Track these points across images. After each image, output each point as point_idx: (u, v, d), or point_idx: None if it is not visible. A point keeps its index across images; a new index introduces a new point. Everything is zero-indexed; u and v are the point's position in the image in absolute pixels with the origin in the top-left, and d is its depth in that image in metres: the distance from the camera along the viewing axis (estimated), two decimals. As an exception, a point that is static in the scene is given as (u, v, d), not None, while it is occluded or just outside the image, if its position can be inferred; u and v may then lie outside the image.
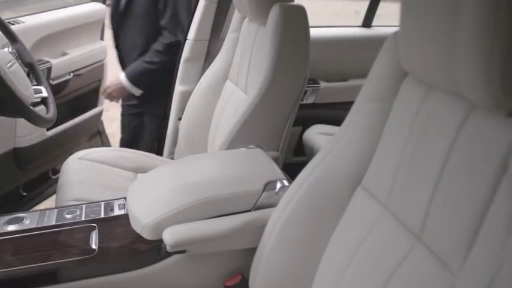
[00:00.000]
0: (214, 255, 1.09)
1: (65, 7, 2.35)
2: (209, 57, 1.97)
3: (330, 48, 2.20)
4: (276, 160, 1.37)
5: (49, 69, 2.14)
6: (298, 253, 0.96)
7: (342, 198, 0.91)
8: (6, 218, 1.17)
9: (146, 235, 1.05)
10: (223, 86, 1.74)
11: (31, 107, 1.30)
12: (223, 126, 1.58)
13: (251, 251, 1.04)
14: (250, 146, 1.30)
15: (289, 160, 2.19)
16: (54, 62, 2.13)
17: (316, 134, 1.92)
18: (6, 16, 2.13)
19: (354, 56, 2.22)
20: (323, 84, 2.20)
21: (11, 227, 1.14)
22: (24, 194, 2.06)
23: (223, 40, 1.81)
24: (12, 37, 1.52)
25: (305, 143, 1.97)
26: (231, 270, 1.12)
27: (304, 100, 2.20)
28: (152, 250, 1.06)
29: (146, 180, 1.19)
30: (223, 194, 1.08)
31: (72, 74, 2.26)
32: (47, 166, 2.15)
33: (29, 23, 2.14)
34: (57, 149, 2.11)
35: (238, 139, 1.39)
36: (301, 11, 1.34)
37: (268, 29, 1.35)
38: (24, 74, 1.43)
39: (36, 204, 2.14)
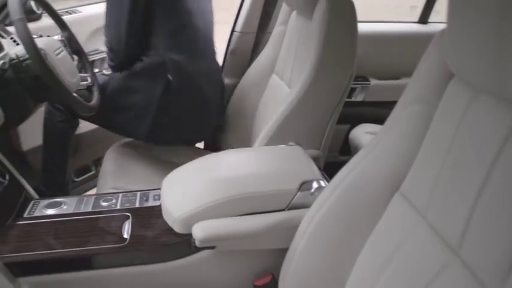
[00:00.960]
0: (244, 253, 1.07)
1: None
2: (256, 50, 1.94)
3: (382, 45, 2.12)
4: (316, 159, 1.33)
5: (103, 59, 2.19)
6: (329, 257, 0.92)
7: (378, 204, 0.86)
8: (46, 202, 1.20)
9: (177, 228, 1.04)
10: (268, 80, 1.71)
11: (75, 94, 1.33)
12: (265, 121, 1.55)
13: (283, 252, 1.01)
14: (290, 143, 1.27)
15: (335, 159, 2.14)
16: None
17: (363, 134, 1.85)
18: (67, 5, 2.20)
19: (408, 53, 2.11)
20: (373, 81, 2.13)
21: (50, 211, 1.17)
22: (76, 179, 2.12)
23: (270, 33, 1.78)
24: (62, 25, 1.55)
25: (351, 142, 1.92)
26: (261, 269, 1.09)
27: (353, 97, 2.13)
28: (183, 244, 1.05)
29: (181, 172, 1.18)
30: (256, 191, 1.05)
31: None
32: (97, 154, 2.20)
33: (86, 13, 2.19)
34: (108, 139, 2.15)
35: (279, 135, 1.36)
36: (349, 5, 1.29)
37: (314, 22, 1.30)
38: (71, 62, 1.46)
39: (86, 190, 2.19)
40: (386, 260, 0.80)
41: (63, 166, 1.76)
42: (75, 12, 2.14)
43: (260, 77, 1.74)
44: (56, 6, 1.92)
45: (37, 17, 1.90)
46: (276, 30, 1.71)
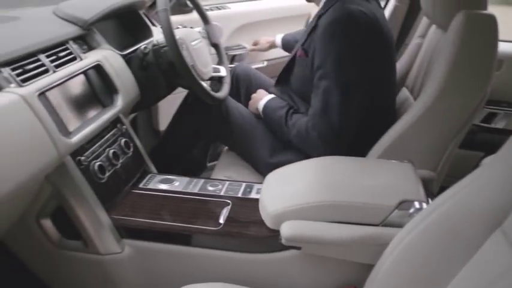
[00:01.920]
0: (330, 261, 1.05)
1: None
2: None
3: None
4: (429, 181, 1.25)
5: (245, 55, 2.30)
6: (413, 283, 0.87)
7: (475, 237, 0.79)
8: (161, 177, 1.32)
9: (268, 223, 1.07)
10: (398, 93, 1.65)
11: (203, 83, 1.42)
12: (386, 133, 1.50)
13: (369, 267, 0.98)
14: (403, 161, 1.21)
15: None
16: (250, 48, 2.27)
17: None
18: (219, 1, 2.34)
19: None
20: (520, 109, 1.92)
21: (162, 186, 1.28)
22: (209, 164, 2.24)
23: (407, 45, 1.71)
24: (205, 18, 1.66)
25: (480, 171, 1.75)
26: (345, 281, 1.07)
27: (493, 123, 1.95)
28: (270, 239, 1.07)
29: (286, 170, 1.20)
30: (352, 201, 1.03)
31: (266, 63, 2.39)
32: None
33: (234, 9, 2.31)
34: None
35: (393, 149, 1.30)
36: (489, 20, 1.18)
37: (448, 38, 1.22)
38: (206, 53, 1.57)
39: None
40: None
41: (180, 151, 1.74)
42: (225, 8, 2.27)
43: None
44: (208, 1, 2.05)
45: (189, 10, 2.07)
46: (413, 42, 1.64)
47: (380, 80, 1.39)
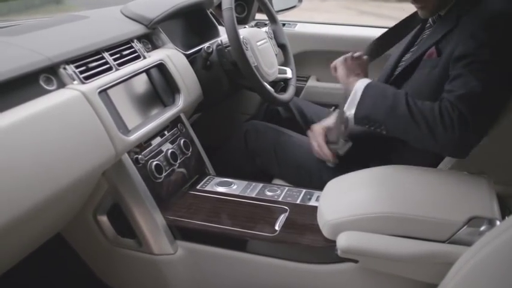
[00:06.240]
0: (389, 277, 0.98)
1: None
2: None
3: None
4: (507, 197, 1.13)
5: None
6: None
7: None
8: (219, 180, 1.29)
9: (325, 232, 1.01)
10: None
11: (265, 84, 1.38)
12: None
13: (431, 287, 0.90)
14: (478, 173, 1.10)
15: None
16: None
17: None
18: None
19: None
20: None
21: (220, 189, 1.25)
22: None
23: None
24: (272, 18, 1.62)
25: None
26: (405, 299, 0.99)
27: None
28: (326, 250, 1.01)
29: (348, 178, 1.14)
30: (417, 214, 0.95)
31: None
32: None
33: (300, 30, 2.16)
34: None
35: (468, 160, 1.19)
36: None
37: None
38: (272, 53, 1.53)
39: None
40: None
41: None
42: (290, 26, 2.15)
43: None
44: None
45: (241, 19, 2.00)
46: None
47: None
